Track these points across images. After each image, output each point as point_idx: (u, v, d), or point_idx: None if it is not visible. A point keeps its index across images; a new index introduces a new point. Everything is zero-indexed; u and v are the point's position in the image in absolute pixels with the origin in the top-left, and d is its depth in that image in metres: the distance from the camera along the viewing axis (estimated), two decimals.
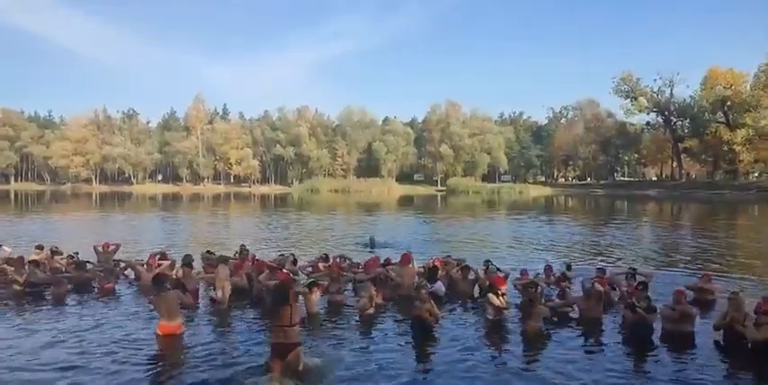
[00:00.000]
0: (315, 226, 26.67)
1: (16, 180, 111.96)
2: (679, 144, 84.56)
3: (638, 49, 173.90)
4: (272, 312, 5.96)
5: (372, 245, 16.07)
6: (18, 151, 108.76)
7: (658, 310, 7.41)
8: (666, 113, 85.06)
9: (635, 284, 8.50)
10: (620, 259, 14.83)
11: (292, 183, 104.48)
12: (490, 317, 8.02)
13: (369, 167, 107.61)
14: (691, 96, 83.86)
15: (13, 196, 67.70)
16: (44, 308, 8.96)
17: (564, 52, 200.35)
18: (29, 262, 10.40)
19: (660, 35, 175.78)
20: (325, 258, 11.40)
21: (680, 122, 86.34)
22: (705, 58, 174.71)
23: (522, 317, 7.69)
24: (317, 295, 8.57)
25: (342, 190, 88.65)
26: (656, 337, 7.29)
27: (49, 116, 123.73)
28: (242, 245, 12.25)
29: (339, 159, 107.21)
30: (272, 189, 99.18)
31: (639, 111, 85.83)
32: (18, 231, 21.71)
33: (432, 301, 7.75)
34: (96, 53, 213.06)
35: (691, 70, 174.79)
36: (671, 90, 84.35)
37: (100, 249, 11.78)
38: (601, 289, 8.20)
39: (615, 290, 9.19)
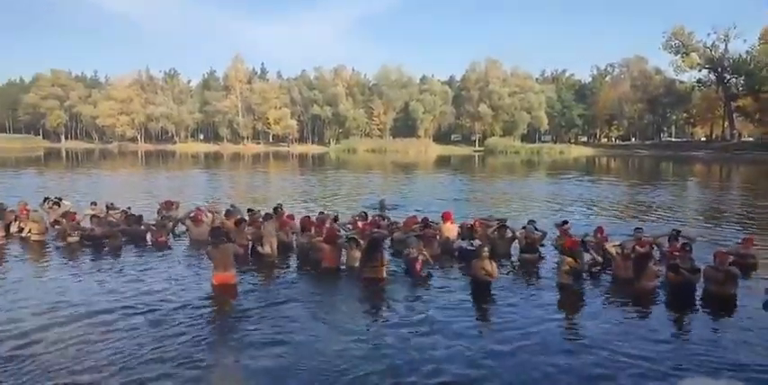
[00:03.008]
0: (352, 185, 26.98)
1: (66, 138, 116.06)
2: (732, 103, 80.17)
3: (690, 3, 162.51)
4: (367, 256, 8.14)
5: (382, 207, 15.47)
6: (67, 110, 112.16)
7: (702, 272, 7.34)
8: (720, 70, 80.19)
9: (678, 245, 8.39)
10: (662, 221, 14.56)
11: (329, 142, 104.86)
12: (567, 282, 7.75)
13: (406, 127, 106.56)
14: (747, 52, 78.45)
15: (64, 154, 70.55)
16: (101, 259, 9.50)
17: (609, 7, 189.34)
18: (90, 216, 11.01)
19: None
20: (364, 216, 11.63)
21: (734, 80, 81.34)
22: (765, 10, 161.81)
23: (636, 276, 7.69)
24: (356, 251, 8.81)
25: (378, 150, 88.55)
26: (698, 299, 7.27)
27: (95, 76, 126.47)
28: (278, 204, 12.57)
29: (375, 119, 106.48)
30: (310, 148, 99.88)
31: (690, 68, 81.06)
32: (73, 187, 22.78)
33: (490, 259, 7.83)
34: (139, 13, 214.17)
35: (749, 23, 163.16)
36: (726, 45, 79.10)
37: (162, 207, 12.34)
38: (642, 250, 8.13)
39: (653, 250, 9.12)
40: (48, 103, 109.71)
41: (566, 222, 10.36)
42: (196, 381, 4.87)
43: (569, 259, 7.70)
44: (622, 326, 6.43)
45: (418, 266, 8.38)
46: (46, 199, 12.58)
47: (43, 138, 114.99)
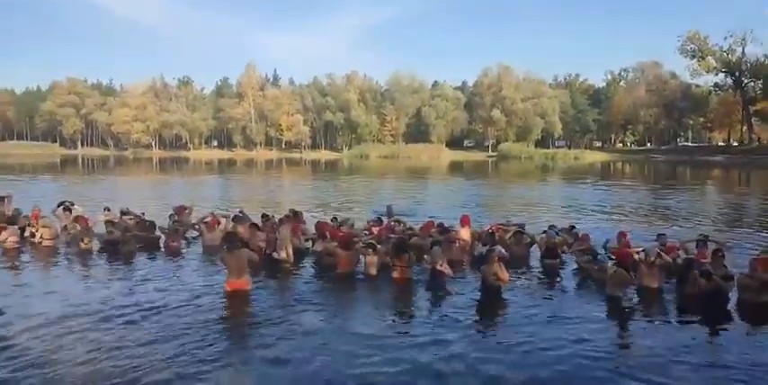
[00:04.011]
0: (365, 191, 26.81)
1: (82, 145, 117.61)
2: (750, 107, 78.99)
3: (704, 7, 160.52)
4: (395, 258, 8.27)
5: (390, 214, 14.84)
6: (83, 118, 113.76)
7: (735, 279, 7.02)
8: (737, 74, 79.23)
9: (710, 251, 8.05)
10: (684, 226, 14.17)
11: (342, 148, 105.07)
12: (617, 294, 7.29)
13: (418, 133, 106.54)
14: (765, 55, 77.60)
15: (80, 161, 71.37)
16: (113, 264, 9.38)
17: (622, 13, 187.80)
18: (104, 222, 10.93)
19: None
20: (379, 221, 11.44)
21: (752, 83, 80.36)
22: None
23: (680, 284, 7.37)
24: (374, 257, 8.59)
25: (391, 155, 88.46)
26: (731, 307, 6.93)
27: (111, 84, 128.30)
28: (291, 209, 12.38)
29: (388, 125, 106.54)
30: (322, 155, 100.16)
31: (707, 72, 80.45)
32: (87, 193, 22.85)
33: (500, 264, 7.59)
34: (153, 21, 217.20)
35: (765, 27, 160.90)
36: (743, 49, 78.24)
37: (175, 212, 12.22)
38: (669, 260, 7.80)
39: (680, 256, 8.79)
40: (64, 111, 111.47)
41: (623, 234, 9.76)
42: None
43: (621, 270, 7.29)
44: (645, 335, 6.14)
45: (444, 278, 8.10)
46: (60, 204, 12.53)
47: (60, 145, 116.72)
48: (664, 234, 9.71)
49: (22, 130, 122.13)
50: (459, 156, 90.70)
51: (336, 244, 8.90)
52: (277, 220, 10.67)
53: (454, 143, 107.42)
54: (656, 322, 6.62)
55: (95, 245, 10.38)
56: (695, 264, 7.29)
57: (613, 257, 8.48)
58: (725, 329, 6.39)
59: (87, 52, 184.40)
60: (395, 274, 8.22)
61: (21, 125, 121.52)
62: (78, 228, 10.51)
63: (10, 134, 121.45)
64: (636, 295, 7.58)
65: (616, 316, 6.85)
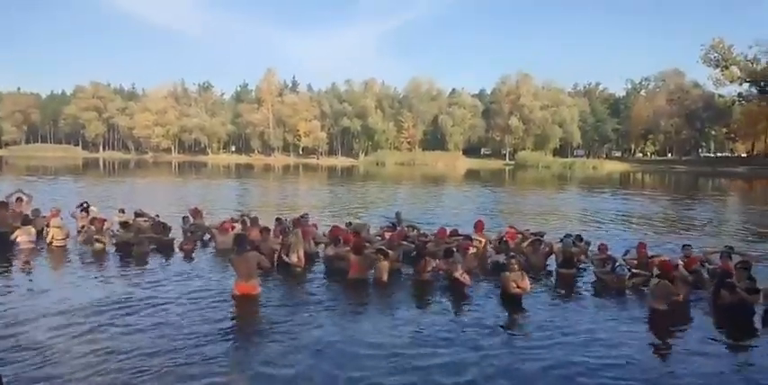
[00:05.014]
0: (380, 197, 26.71)
1: (104, 149, 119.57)
2: None
3: (729, 16, 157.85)
4: (416, 262, 8.65)
5: (398, 220, 14.11)
6: (105, 122, 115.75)
7: (762, 293, 6.75)
8: (762, 84, 77.73)
9: (735, 263, 7.77)
10: (705, 237, 13.84)
11: (359, 155, 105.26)
12: (661, 307, 6.96)
13: (435, 140, 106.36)
14: None
15: (101, 164, 72.50)
16: (125, 266, 9.40)
17: (643, 21, 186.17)
18: (119, 223, 10.99)
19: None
20: (392, 227, 11.35)
21: None
22: None
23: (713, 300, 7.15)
24: (385, 263, 8.46)
25: (408, 163, 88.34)
26: (757, 320, 6.67)
27: (133, 88, 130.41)
28: (303, 214, 12.31)
29: (405, 132, 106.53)
30: (339, 161, 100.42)
31: (731, 82, 78.94)
32: (107, 194, 23.13)
33: (522, 273, 7.48)
34: (177, 26, 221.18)
35: None
36: None
37: (190, 214, 12.25)
38: (686, 274, 7.56)
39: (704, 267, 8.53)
40: (87, 115, 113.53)
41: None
42: None
43: (665, 282, 7.03)
44: (663, 346, 5.98)
45: (464, 286, 7.97)
46: (80, 205, 12.64)
47: (82, 148, 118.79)
48: (689, 245, 9.44)
49: (46, 133, 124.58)
50: (475, 164, 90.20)
51: (348, 248, 8.81)
52: (290, 223, 10.63)
53: (471, 151, 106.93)
54: (678, 335, 6.43)
55: (109, 245, 10.42)
56: (722, 275, 7.04)
57: (632, 269, 8.29)
58: (749, 343, 6.17)
59: (112, 56, 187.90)
60: (414, 277, 8.57)
61: (45, 128, 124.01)
62: (94, 228, 10.57)
63: (34, 137, 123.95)
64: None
65: (637, 327, 6.63)
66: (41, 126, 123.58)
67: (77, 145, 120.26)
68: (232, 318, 6.67)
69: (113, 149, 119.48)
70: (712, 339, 6.23)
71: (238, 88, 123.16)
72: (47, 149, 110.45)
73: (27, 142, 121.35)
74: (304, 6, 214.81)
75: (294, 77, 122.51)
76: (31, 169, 48.46)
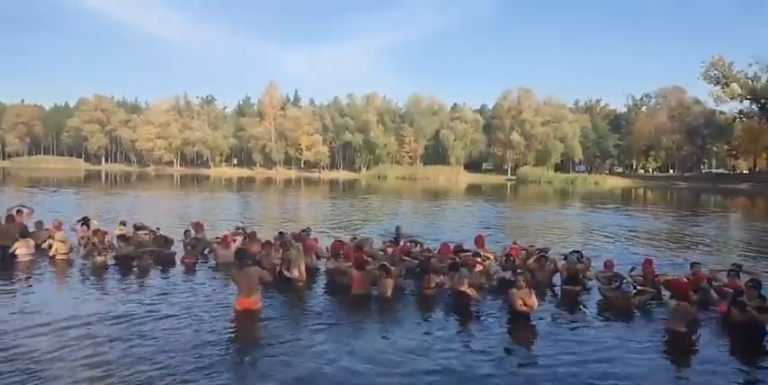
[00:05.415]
0: (381, 211, 26.63)
1: (106, 161, 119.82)
2: None
3: (727, 35, 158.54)
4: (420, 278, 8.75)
5: (399, 234, 14.09)
6: (108, 134, 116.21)
7: None
8: (763, 101, 78.03)
9: (745, 282, 7.64)
10: (710, 254, 13.70)
11: (360, 169, 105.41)
12: (678, 329, 6.77)
13: (436, 155, 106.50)
14: None
15: (103, 176, 72.59)
16: (125, 280, 9.31)
17: (644, 38, 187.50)
18: (117, 236, 10.92)
19: (753, 18, 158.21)
20: (395, 242, 11.28)
21: None
22: None
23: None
24: (390, 280, 8.36)
25: (409, 177, 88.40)
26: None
27: (136, 101, 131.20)
28: (305, 228, 12.24)
29: (406, 146, 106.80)
30: (341, 175, 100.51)
31: (731, 99, 79.28)
32: (108, 207, 23.09)
33: (530, 290, 7.39)
34: (179, 40, 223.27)
35: None
36: None
37: (192, 228, 12.17)
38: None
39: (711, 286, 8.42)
40: (90, 127, 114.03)
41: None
42: None
43: (685, 304, 6.85)
44: (673, 366, 5.85)
45: (469, 301, 7.86)
46: (80, 220, 12.57)
47: (85, 160, 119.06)
48: (699, 262, 9.27)
49: (48, 145, 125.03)
50: (477, 178, 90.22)
51: (350, 264, 8.73)
52: (291, 238, 10.55)
53: (473, 166, 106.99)
54: (687, 354, 6.31)
55: (111, 259, 10.34)
56: (734, 294, 6.93)
57: (637, 286, 8.20)
58: (759, 363, 6.07)
59: (115, 70, 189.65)
60: (422, 291, 8.48)
61: (48, 140, 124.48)
62: (97, 240, 10.51)
63: (37, 149, 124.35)
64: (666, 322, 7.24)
65: (644, 346, 6.49)
66: (44, 138, 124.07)
67: (80, 157, 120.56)
68: (233, 333, 6.57)
69: (116, 162, 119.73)
70: (722, 358, 6.11)
71: (241, 102, 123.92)
72: (49, 161, 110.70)
73: (30, 154, 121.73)
74: (306, 21, 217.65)
75: (296, 91, 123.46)
76: (34, 181, 48.52)
